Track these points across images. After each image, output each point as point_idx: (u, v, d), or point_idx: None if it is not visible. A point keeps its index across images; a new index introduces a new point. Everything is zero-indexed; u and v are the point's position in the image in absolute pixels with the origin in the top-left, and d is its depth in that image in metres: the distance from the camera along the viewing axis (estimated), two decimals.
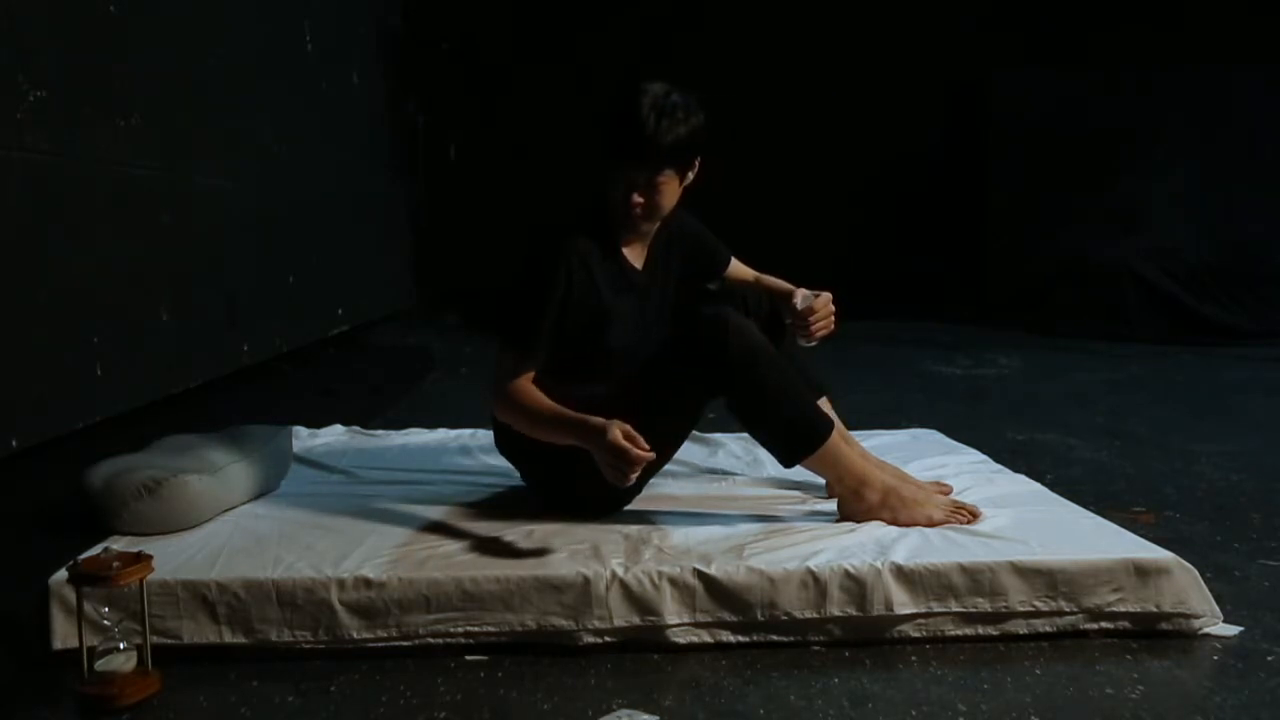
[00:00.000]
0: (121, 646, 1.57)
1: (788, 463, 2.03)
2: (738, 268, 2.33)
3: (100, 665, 1.55)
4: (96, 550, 1.63)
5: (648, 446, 1.81)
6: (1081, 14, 7.17)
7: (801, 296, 2.08)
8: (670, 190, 1.99)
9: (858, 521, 2.00)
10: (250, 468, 2.19)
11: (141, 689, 1.55)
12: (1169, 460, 3.11)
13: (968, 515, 2.01)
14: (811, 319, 2.06)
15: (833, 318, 2.09)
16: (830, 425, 2.02)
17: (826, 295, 2.09)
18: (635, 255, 2.13)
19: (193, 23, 3.69)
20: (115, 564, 1.55)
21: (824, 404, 2.20)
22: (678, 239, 2.20)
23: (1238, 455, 3.17)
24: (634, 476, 1.81)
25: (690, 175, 2.02)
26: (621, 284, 2.08)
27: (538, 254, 2.03)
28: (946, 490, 2.21)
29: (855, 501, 2.01)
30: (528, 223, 2.14)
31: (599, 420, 1.85)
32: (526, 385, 1.98)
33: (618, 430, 1.81)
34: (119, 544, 1.76)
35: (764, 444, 2.08)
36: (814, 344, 2.10)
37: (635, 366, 2.06)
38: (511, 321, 2.02)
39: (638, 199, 1.97)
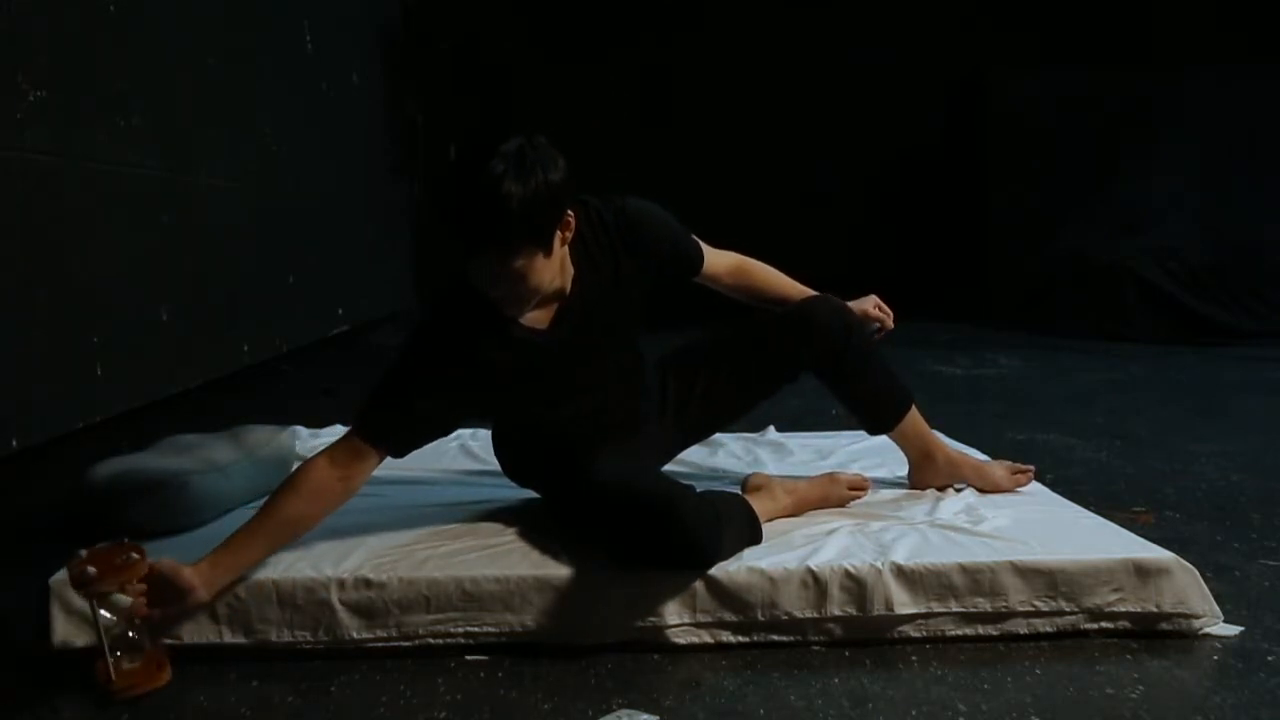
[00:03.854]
0: (131, 635, 1.58)
1: None
2: (764, 272, 2.17)
3: (108, 661, 1.55)
4: (99, 547, 1.64)
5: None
6: (1081, 13, 7.17)
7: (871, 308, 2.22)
8: (535, 268, 1.68)
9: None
10: (251, 468, 2.19)
11: (151, 679, 1.56)
12: (1169, 460, 3.11)
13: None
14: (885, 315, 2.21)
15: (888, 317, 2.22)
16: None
17: (872, 296, 2.22)
18: (540, 314, 1.82)
19: (193, 23, 3.69)
20: (124, 557, 1.56)
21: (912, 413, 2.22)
22: (633, 256, 1.89)
23: (1238, 455, 3.17)
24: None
25: (566, 234, 1.72)
26: (516, 358, 1.80)
27: (406, 351, 1.81)
28: (1025, 477, 2.27)
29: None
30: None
31: (202, 574, 1.63)
32: (310, 480, 1.72)
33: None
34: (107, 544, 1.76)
35: None
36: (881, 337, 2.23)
37: (595, 396, 1.96)
38: (364, 412, 1.78)
39: (495, 293, 1.71)
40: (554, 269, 1.74)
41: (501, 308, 1.75)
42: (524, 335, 1.81)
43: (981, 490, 2.21)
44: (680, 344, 2.21)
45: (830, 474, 2.18)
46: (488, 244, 1.64)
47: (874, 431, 2.24)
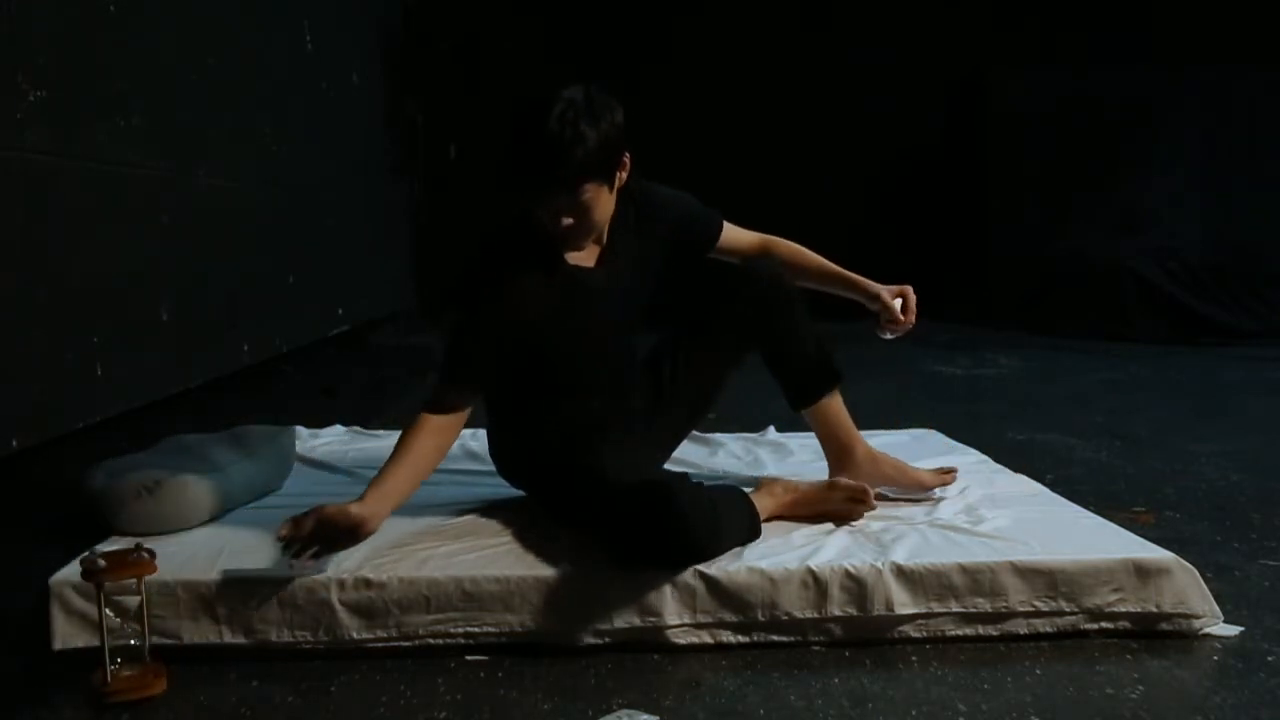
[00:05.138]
0: (133, 642, 1.58)
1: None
2: (791, 249, 2.24)
3: (108, 664, 1.55)
4: (103, 548, 1.64)
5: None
6: (1081, 13, 7.17)
7: (895, 301, 2.16)
8: (601, 201, 1.83)
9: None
10: (252, 468, 2.19)
11: (146, 687, 1.55)
12: (1169, 460, 3.11)
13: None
14: (905, 316, 2.16)
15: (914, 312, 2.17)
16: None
17: (909, 289, 2.18)
18: (586, 254, 1.97)
19: (193, 22, 3.69)
20: (135, 555, 1.56)
21: (834, 396, 2.16)
22: (651, 219, 2.04)
23: (1238, 455, 3.17)
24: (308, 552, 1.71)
25: (622, 174, 1.87)
26: (566, 289, 1.93)
27: (461, 285, 1.93)
28: (948, 477, 2.22)
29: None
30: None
31: (367, 506, 1.73)
32: (427, 423, 1.85)
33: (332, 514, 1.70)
34: (119, 544, 1.76)
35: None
36: (895, 336, 2.17)
37: (612, 367, 2.02)
38: (445, 355, 1.92)
39: (566, 222, 1.82)
40: (610, 206, 1.88)
41: (563, 240, 1.87)
42: (571, 269, 1.94)
43: (903, 489, 2.18)
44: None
45: (831, 481, 2.12)
46: (564, 179, 1.76)
47: (796, 405, 2.16)
